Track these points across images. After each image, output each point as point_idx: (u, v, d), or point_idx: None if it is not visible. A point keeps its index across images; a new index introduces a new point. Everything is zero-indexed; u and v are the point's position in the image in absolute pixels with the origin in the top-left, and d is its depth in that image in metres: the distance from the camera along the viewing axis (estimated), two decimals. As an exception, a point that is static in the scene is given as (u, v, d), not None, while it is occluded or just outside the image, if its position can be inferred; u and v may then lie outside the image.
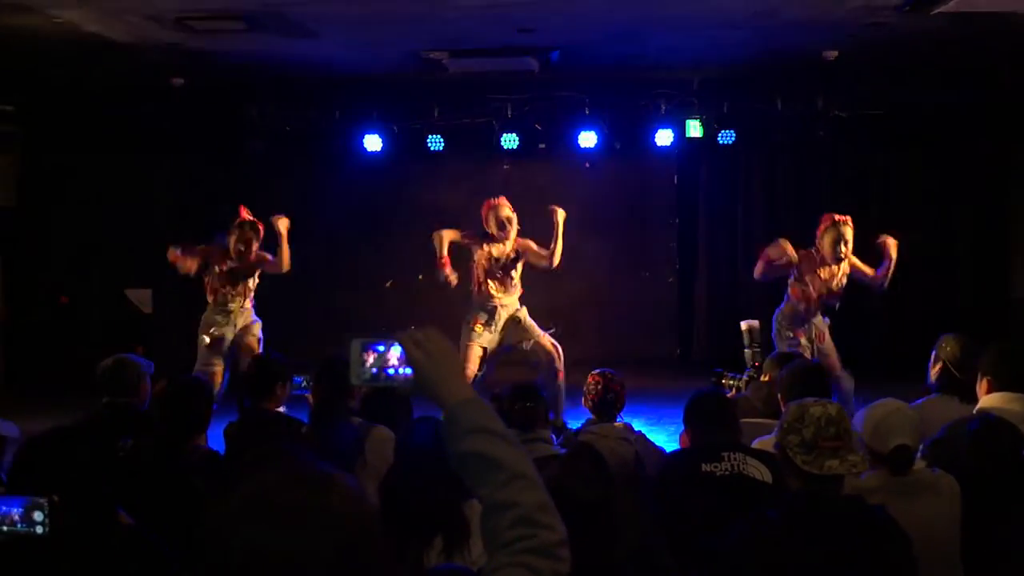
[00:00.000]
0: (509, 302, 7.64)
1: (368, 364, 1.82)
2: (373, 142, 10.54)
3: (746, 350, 7.18)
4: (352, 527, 1.43)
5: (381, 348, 1.81)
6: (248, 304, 7.74)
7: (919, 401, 4.74)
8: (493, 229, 7.56)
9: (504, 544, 1.61)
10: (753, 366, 6.63)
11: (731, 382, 6.44)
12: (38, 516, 2.37)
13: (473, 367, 7.45)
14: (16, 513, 2.38)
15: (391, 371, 1.81)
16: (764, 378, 5.60)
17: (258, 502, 1.41)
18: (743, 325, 7.27)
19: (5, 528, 2.40)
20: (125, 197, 10.87)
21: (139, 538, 2.76)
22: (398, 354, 1.79)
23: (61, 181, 10.19)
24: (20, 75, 9.42)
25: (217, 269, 7.62)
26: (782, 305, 7.80)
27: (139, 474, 3.91)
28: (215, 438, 4.84)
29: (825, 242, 7.65)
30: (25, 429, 3.88)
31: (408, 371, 1.78)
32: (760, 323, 7.22)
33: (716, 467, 3.89)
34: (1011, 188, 10.31)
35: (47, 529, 2.37)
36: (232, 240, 7.57)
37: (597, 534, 2.64)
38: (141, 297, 11.21)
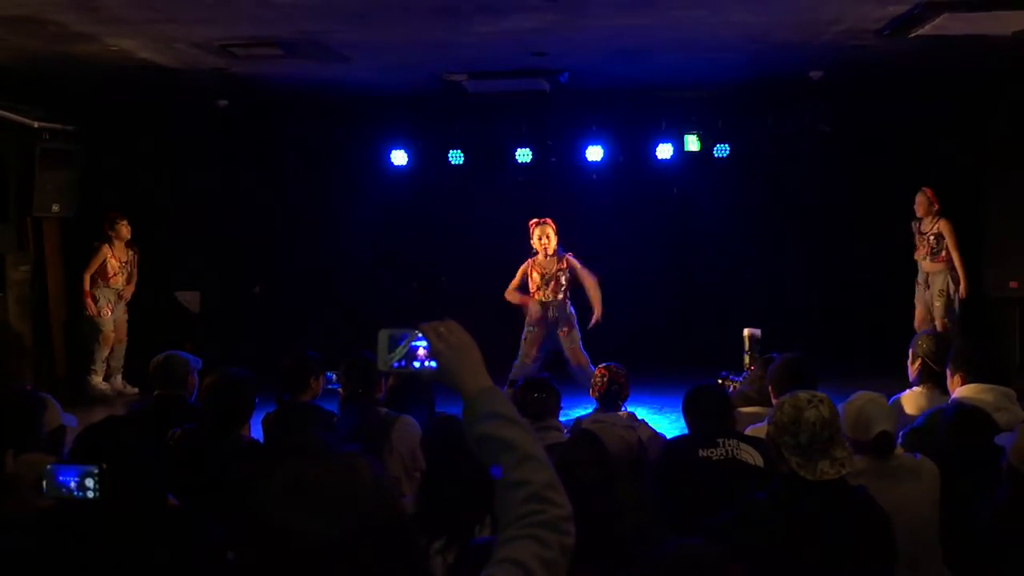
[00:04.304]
0: (560, 310, 8.31)
1: (394, 352, 1.84)
2: (399, 157, 10.59)
3: (745, 355, 7.17)
4: (376, 507, 1.43)
5: (406, 337, 1.83)
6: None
7: (902, 393, 4.73)
8: (536, 243, 8.34)
9: (516, 518, 1.62)
10: (750, 370, 6.61)
11: (731, 384, 6.45)
12: (90, 483, 2.44)
13: (528, 358, 8.32)
14: (72, 482, 2.44)
15: (417, 361, 1.83)
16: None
17: (291, 488, 1.41)
18: (745, 332, 7.32)
19: (63, 494, 2.46)
20: (175, 208, 10.92)
21: (185, 519, 2.77)
22: (424, 345, 1.81)
23: (117, 194, 10.23)
24: (81, 98, 9.49)
25: None
26: None
27: (188, 460, 3.93)
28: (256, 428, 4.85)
29: None
30: (83, 420, 3.89)
31: (432, 362, 1.79)
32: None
33: (712, 452, 3.89)
34: (985, 196, 10.23)
35: (98, 493, 2.44)
36: None
37: (598, 513, 2.63)
38: (190, 298, 11.25)
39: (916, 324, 9.25)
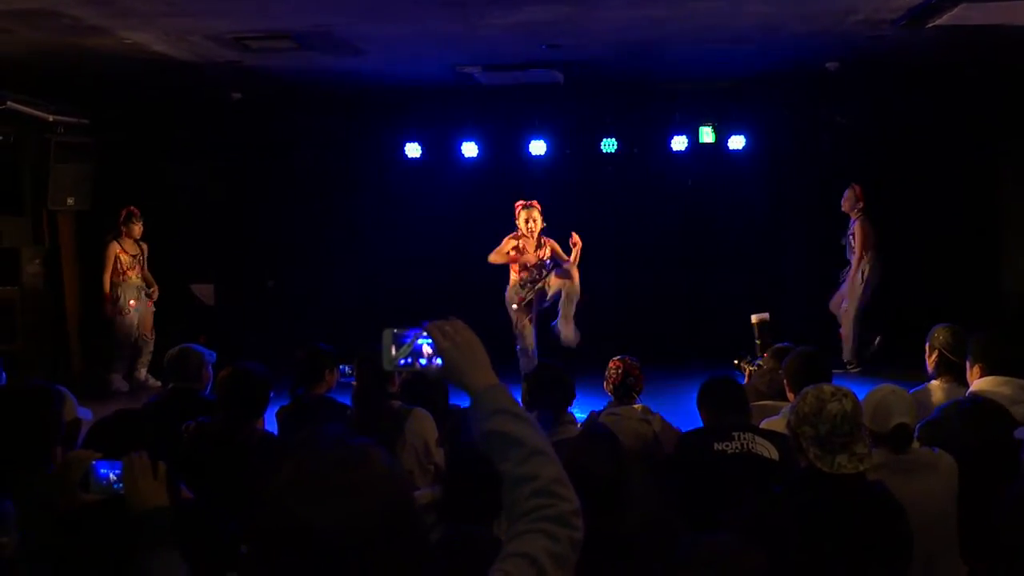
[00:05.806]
0: (538, 293, 8.39)
1: (399, 351, 1.81)
2: (413, 149, 10.60)
3: (756, 341, 7.11)
4: (388, 498, 1.43)
5: (411, 337, 1.82)
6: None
7: (921, 386, 4.68)
8: (522, 225, 8.29)
9: (524, 513, 1.62)
10: (763, 355, 6.55)
11: (747, 366, 6.39)
12: None
13: (526, 329, 8.38)
14: (113, 475, 2.41)
15: (423, 359, 1.81)
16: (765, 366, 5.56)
17: (303, 479, 1.41)
18: (754, 318, 7.24)
19: (103, 489, 2.43)
20: (189, 200, 10.95)
21: (199, 512, 2.77)
22: (429, 343, 1.79)
23: (131, 187, 10.26)
24: (95, 91, 9.51)
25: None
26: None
27: (202, 453, 3.93)
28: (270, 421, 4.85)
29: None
30: (99, 413, 3.90)
31: (438, 360, 1.78)
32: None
33: (727, 446, 3.87)
34: (1001, 188, 10.17)
35: None
36: None
37: (609, 506, 2.62)
38: (204, 291, 11.28)
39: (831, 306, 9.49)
